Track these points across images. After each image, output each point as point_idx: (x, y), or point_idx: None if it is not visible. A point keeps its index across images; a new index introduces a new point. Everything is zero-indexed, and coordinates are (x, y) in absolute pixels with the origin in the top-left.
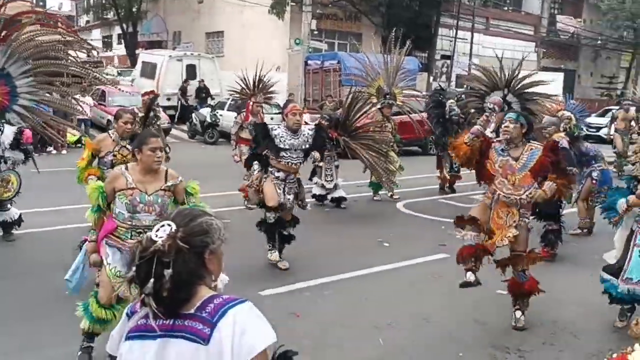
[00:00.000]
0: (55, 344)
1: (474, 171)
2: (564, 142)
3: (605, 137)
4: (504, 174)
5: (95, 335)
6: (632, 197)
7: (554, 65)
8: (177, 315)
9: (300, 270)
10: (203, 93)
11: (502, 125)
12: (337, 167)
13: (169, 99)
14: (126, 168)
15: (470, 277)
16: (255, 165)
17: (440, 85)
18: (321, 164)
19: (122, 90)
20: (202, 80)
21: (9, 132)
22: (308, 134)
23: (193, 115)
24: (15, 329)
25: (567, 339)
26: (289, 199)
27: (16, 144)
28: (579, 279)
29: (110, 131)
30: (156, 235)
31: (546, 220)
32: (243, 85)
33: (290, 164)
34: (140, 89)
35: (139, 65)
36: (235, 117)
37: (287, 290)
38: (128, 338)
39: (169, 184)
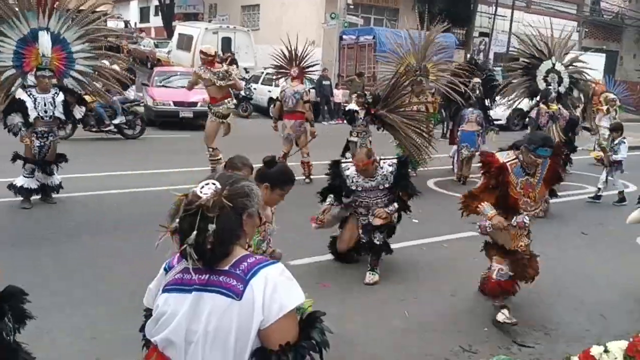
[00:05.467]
0: (93, 303)
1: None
2: (533, 113)
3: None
4: (526, 193)
5: None
6: None
7: (596, 46)
8: (212, 271)
9: (328, 242)
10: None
11: (534, 158)
12: (371, 142)
13: None
14: None
15: (506, 316)
16: (329, 199)
17: (474, 59)
18: (355, 139)
19: (176, 72)
20: (233, 52)
21: (61, 98)
22: (387, 171)
23: None
24: (56, 286)
25: (595, 318)
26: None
27: (66, 111)
28: (614, 262)
29: None
30: (201, 192)
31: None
32: (281, 59)
33: (369, 203)
34: (177, 60)
35: (175, 37)
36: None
37: (315, 261)
38: (165, 291)
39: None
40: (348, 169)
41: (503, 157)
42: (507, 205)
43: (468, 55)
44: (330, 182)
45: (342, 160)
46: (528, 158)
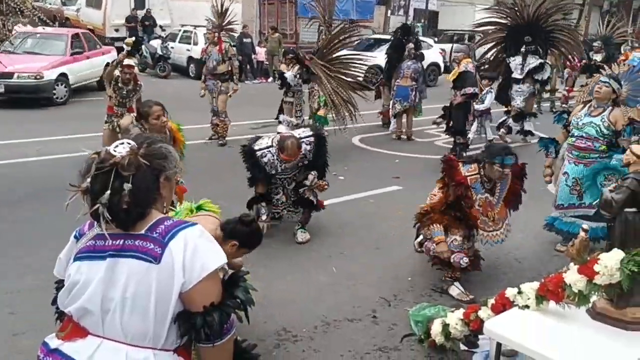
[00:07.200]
0: (11, 276)
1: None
2: (470, 67)
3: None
4: (485, 212)
5: None
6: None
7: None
8: (127, 236)
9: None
10: (149, 22)
11: (502, 169)
12: (304, 102)
13: (117, 30)
14: None
15: (461, 291)
16: (263, 209)
17: (406, 25)
18: (291, 99)
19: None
20: (149, 10)
21: None
22: (306, 150)
23: (143, 47)
24: None
25: (511, 262)
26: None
27: None
28: (525, 207)
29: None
30: (115, 150)
31: (456, 134)
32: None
33: (284, 182)
34: (87, 19)
35: None
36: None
37: None
38: (76, 259)
39: None
40: (265, 156)
41: (465, 169)
42: (468, 221)
43: (389, 12)
44: (251, 173)
45: (255, 149)
46: (493, 172)
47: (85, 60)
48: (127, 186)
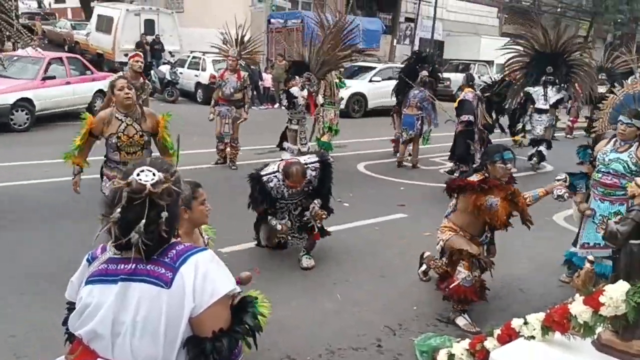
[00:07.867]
0: (13, 298)
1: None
2: (469, 95)
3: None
4: None
5: None
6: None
7: (515, 32)
8: (139, 260)
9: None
10: (158, 46)
11: (505, 166)
12: (307, 129)
13: (126, 55)
14: None
15: (467, 322)
16: (273, 221)
17: (421, 52)
18: (296, 127)
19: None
20: (159, 35)
21: None
22: (311, 175)
23: (152, 72)
24: None
25: (516, 292)
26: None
27: None
28: (530, 238)
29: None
30: (140, 179)
31: (459, 162)
32: (222, 43)
33: (290, 207)
34: (96, 43)
35: (94, 19)
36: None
37: (245, 248)
38: (88, 282)
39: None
40: (271, 181)
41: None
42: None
43: (395, 41)
44: (256, 198)
45: (262, 174)
46: (497, 171)
47: (62, 85)
48: (165, 215)
